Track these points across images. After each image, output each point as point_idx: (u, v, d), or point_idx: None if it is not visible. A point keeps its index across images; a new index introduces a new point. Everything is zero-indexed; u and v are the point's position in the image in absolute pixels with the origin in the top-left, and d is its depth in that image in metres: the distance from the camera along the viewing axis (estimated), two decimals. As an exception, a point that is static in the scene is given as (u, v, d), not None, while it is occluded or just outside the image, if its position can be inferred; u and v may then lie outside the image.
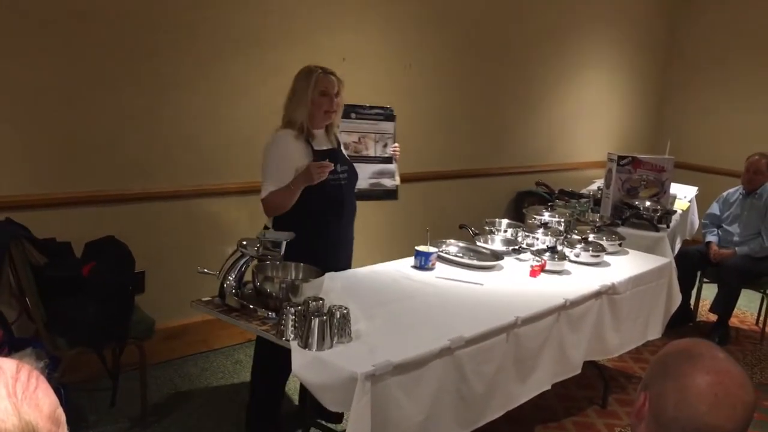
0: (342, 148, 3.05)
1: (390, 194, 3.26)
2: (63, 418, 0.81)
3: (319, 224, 2.86)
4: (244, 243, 2.55)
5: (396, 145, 3.24)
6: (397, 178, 3.27)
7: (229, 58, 3.65)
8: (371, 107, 3.05)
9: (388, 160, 3.19)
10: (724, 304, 4.62)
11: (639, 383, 1.22)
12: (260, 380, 2.99)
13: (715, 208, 4.98)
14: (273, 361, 2.68)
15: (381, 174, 3.11)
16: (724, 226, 4.87)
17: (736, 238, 4.75)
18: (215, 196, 3.73)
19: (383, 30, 4.37)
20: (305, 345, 2.14)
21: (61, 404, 0.82)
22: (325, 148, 2.91)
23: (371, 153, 3.11)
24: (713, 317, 4.75)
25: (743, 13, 6.44)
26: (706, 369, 1.11)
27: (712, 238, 4.84)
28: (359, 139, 3.10)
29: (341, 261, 3.03)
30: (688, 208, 5.23)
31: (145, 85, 3.39)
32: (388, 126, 3.19)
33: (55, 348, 2.74)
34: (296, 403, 3.24)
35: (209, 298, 2.56)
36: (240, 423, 3.07)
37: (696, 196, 5.51)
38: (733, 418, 1.09)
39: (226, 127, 3.70)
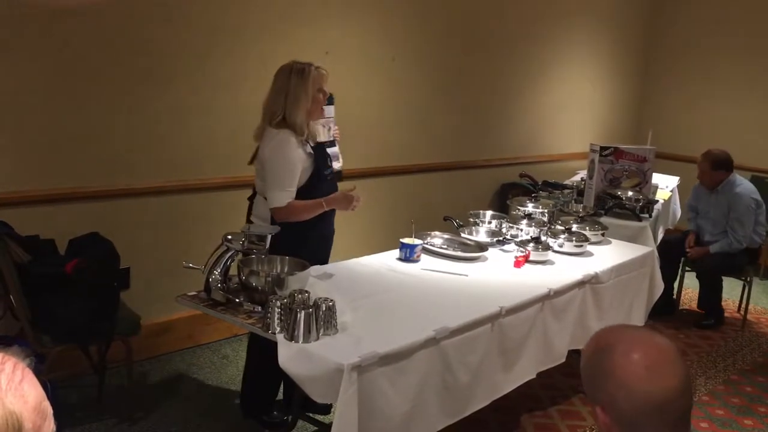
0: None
1: (338, 176, 3.29)
2: (49, 411, 0.82)
3: (315, 217, 2.90)
4: (229, 237, 2.55)
5: (336, 127, 3.29)
6: (341, 159, 3.32)
7: (211, 53, 3.63)
8: None
9: (332, 143, 3.22)
10: (709, 300, 4.71)
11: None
12: (257, 368, 2.99)
13: (693, 197, 5.01)
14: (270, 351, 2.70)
15: (331, 158, 3.14)
16: (699, 220, 4.87)
17: (707, 237, 4.74)
18: (199, 191, 3.73)
19: (367, 23, 4.37)
20: (291, 337, 2.15)
21: (48, 398, 0.82)
22: (312, 144, 2.94)
23: (322, 138, 3.11)
24: (695, 305, 4.81)
25: (723, 4, 6.49)
26: (622, 352, 1.17)
27: (693, 226, 4.88)
28: None
29: (327, 253, 3.09)
30: (670, 197, 5.27)
31: (128, 80, 3.37)
32: (330, 110, 3.24)
33: (40, 345, 2.73)
34: (282, 396, 3.25)
35: (195, 293, 2.56)
36: (226, 418, 3.07)
37: (677, 185, 5.56)
38: (670, 372, 1.14)
39: (209, 122, 3.69)
